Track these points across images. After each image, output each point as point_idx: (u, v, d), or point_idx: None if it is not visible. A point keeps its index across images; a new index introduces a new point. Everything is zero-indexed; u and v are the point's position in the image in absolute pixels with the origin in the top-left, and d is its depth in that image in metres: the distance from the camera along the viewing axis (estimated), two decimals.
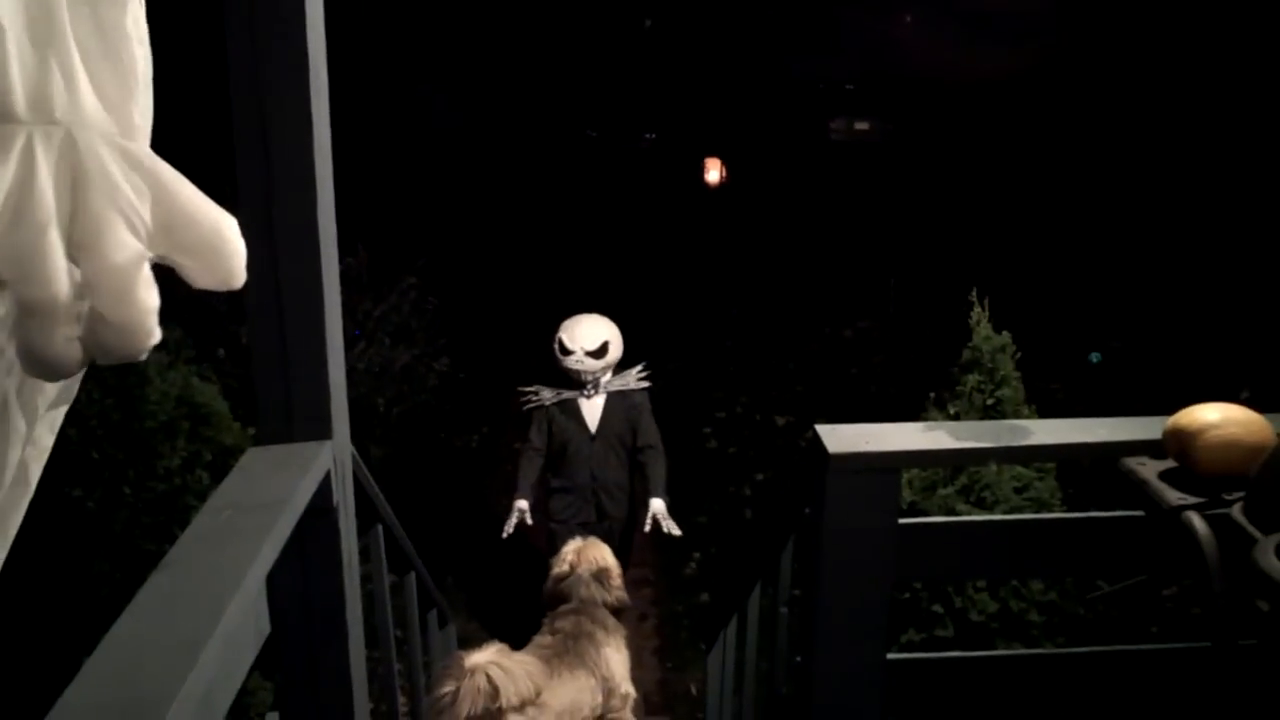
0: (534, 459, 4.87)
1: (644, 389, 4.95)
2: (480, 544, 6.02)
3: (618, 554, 3.76)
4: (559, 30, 19.29)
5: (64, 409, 1.00)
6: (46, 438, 0.96)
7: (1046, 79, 14.87)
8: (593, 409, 4.85)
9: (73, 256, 0.77)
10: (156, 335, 0.84)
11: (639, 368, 5.01)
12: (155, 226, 0.81)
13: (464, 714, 2.24)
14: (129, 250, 0.80)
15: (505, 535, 4.61)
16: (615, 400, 4.86)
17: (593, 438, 4.83)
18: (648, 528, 4.58)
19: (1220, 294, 8.88)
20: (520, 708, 2.36)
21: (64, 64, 0.76)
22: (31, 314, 0.76)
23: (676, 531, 4.56)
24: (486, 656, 2.40)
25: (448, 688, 2.27)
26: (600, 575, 3.04)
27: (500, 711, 2.28)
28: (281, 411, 2.06)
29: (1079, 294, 9.67)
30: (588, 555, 3.12)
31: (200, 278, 0.91)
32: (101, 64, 0.79)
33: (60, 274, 0.76)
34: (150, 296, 0.82)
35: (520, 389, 4.97)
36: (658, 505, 4.64)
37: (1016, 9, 15.94)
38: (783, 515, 3.03)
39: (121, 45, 0.81)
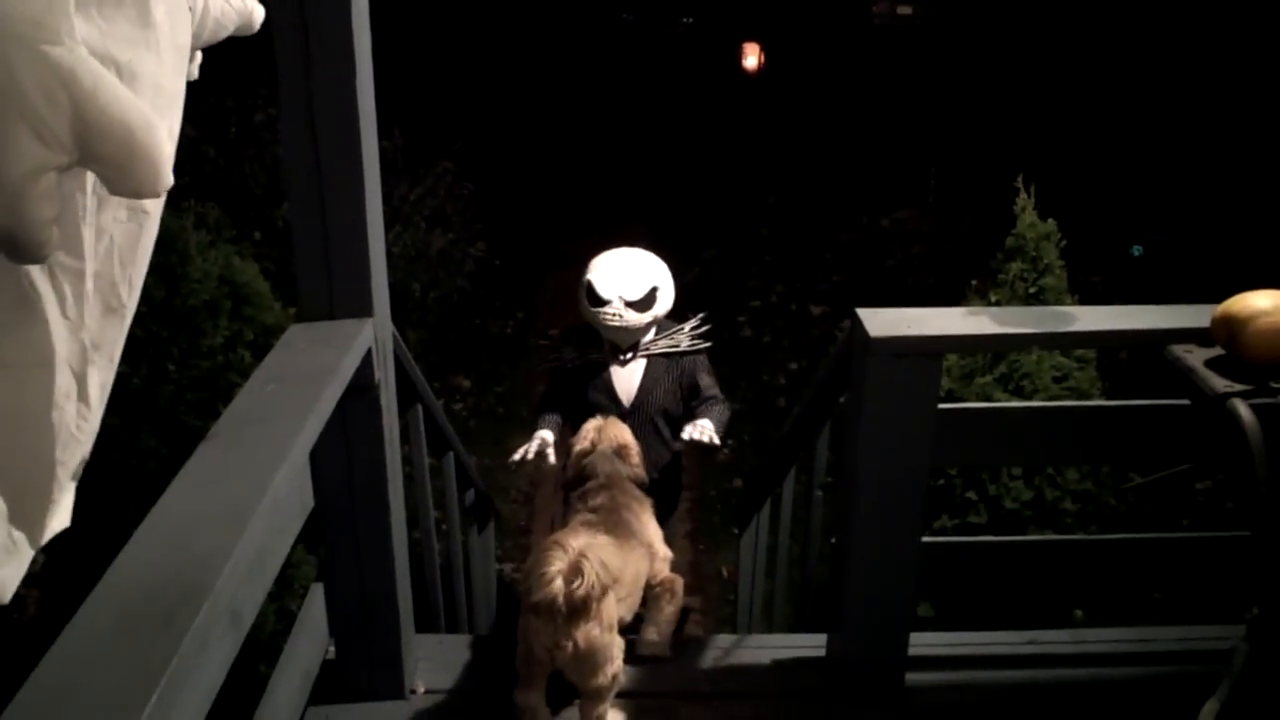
0: (550, 418, 3.63)
1: (701, 350, 3.64)
2: (515, 424, 6.10)
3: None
4: None
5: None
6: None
7: None
8: (628, 377, 3.60)
9: None
10: (49, 248, 0.83)
11: (694, 322, 3.66)
12: (69, 135, 0.80)
13: (582, 594, 2.26)
14: (28, 162, 0.78)
15: (514, 462, 3.40)
16: (658, 365, 3.60)
17: (626, 413, 3.55)
18: (686, 434, 3.36)
19: (1268, 183, 8.67)
20: (613, 585, 2.39)
21: None
22: None
23: (715, 440, 3.34)
24: (584, 540, 2.42)
25: (557, 565, 2.28)
26: (620, 452, 3.01)
27: (605, 590, 2.32)
28: (323, 289, 2.07)
29: (1121, 185, 9.49)
30: (608, 433, 3.05)
31: (118, 187, 0.88)
32: None
33: None
34: (42, 210, 0.81)
35: (542, 342, 3.86)
36: (705, 423, 3.41)
37: None
38: (819, 400, 3.03)
39: None
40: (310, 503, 2.09)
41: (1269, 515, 1.59)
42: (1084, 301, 3.41)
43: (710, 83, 15.51)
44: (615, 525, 2.66)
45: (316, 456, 2.04)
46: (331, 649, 2.39)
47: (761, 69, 16.33)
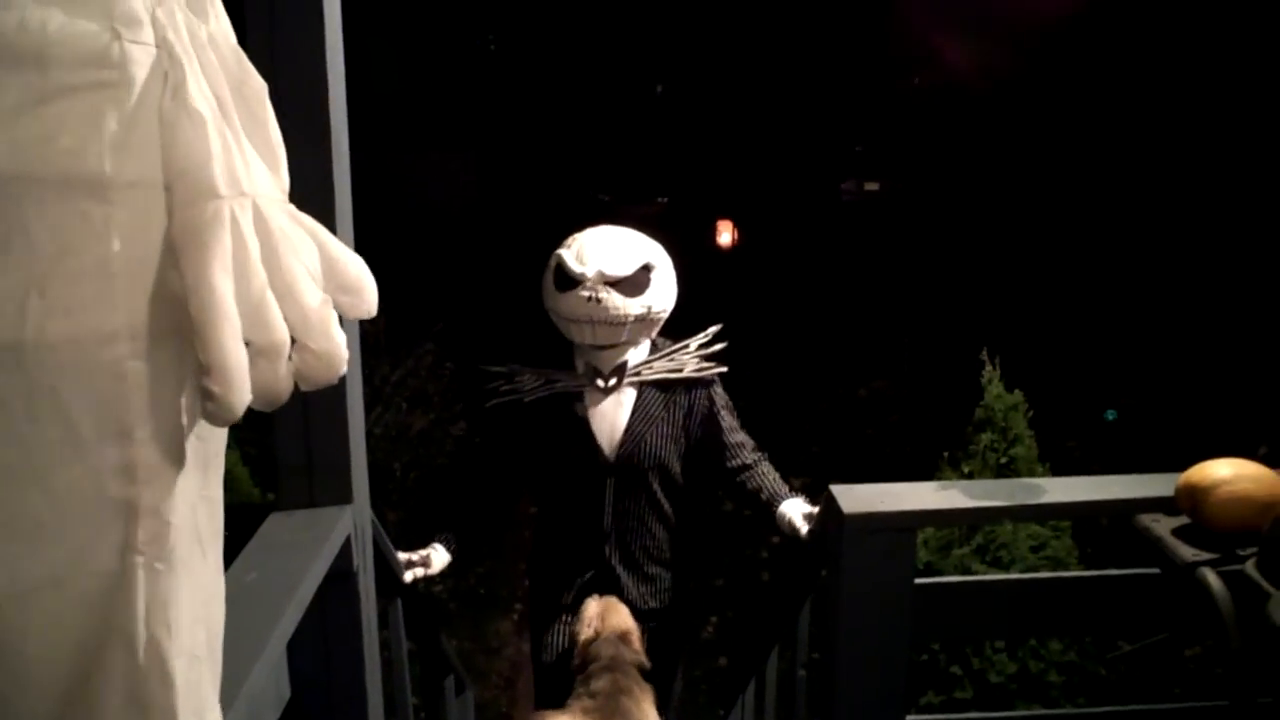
0: (473, 495, 2.81)
1: (714, 375, 2.82)
2: (495, 607, 6.01)
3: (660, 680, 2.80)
4: (571, 95, 19.56)
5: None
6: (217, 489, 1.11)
7: (1056, 135, 14.98)
8: (610, 414, 2.68)
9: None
10: (346, 362, 0.99)
11: (703, 338, 2.85)
12: (320, 273, 0.96)
13: None
14: (317, 293, 0.95)
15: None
16: (654, 398, 2.70)
17: (609, 467, 2.68)
18: (804, 529, 2.67)
19: (1236, 349, 8.87)
20: None
21: (239, 144, 0.91)
22: (263, 355, 0.91)
23: None
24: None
25: None
26: (624, 638, 2.93)
27: None
28: (302, 476, 2.08)
29: (1092, 351, 9.68)
30: (610, 622, 2.95)
31: (353, 311, 1.03)
32: (258, 143, 0.95)
33: (280, 320, 0.91)
34: (341, 331, 0.97)
35: (486, 369, 2.92)
36: (796, 509, 2.77)
37: (1032, 63, 16.07)
38: (799, 577, 3.03)
39: (269, 126, 0.97)
40: (286, 693, 2.05)
41: (1244, 683, 1.59)
42: (1059, 467, 3.46)
43: (686, 259, 15.85)
44: (614, 711, 2.62)
45: (294, 645, 2.02)
46: None
47: (735, 245, 16.74)
